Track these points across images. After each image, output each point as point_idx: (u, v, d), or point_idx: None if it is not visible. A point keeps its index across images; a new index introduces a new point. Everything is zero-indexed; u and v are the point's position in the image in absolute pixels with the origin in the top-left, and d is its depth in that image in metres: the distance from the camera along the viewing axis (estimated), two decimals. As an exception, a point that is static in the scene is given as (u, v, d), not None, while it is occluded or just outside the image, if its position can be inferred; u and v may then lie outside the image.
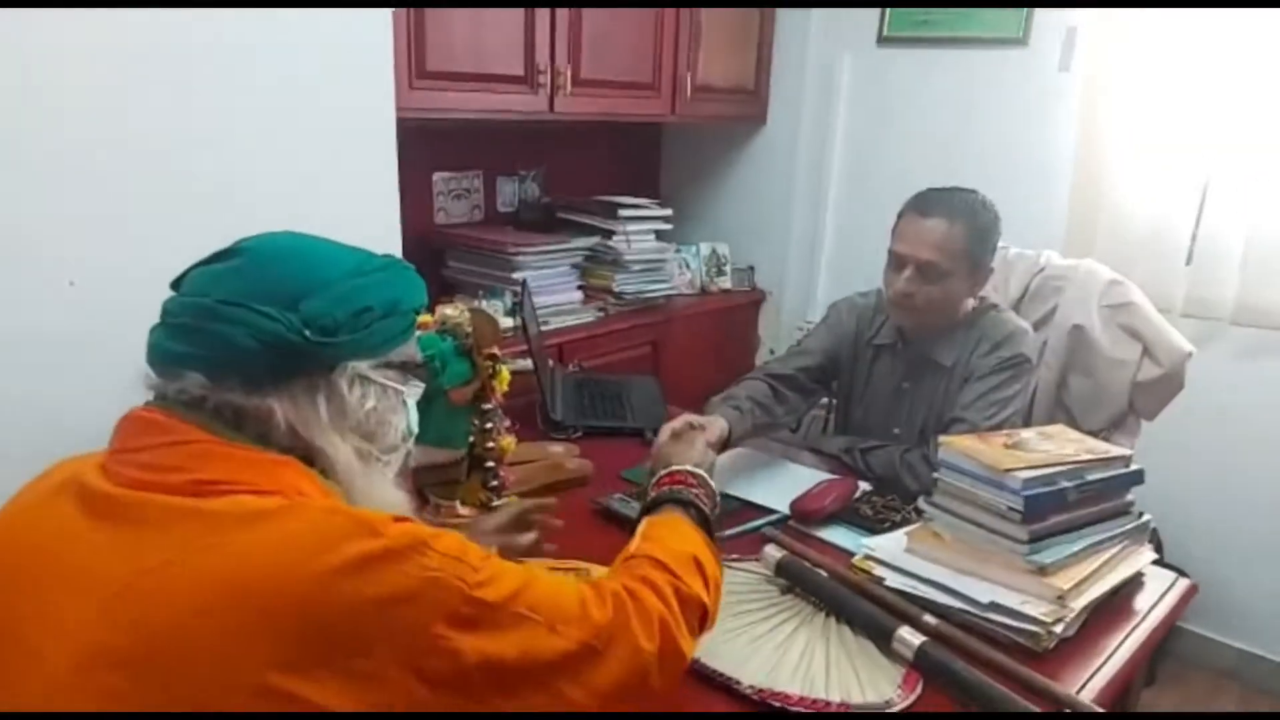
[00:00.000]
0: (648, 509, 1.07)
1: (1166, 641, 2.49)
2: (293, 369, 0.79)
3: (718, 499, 1.13)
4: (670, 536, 0.98)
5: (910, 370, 1.79)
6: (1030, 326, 1.79)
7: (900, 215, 1.71)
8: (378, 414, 0.85)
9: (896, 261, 1.69)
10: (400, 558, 0.70)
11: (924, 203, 1.68)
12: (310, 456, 0.81)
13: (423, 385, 0.93)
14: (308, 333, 0.77)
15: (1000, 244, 2.11)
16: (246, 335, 0.76)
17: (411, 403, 0.91)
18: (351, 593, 0.68)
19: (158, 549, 0.69)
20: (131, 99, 1.62)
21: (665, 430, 1.44)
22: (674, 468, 1.13)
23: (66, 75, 1.55)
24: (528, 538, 1.20)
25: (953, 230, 1.63)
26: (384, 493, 0.86)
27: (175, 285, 0.83)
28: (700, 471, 1.14)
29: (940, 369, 1.75)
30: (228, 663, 0.65)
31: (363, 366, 0.83)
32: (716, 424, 1.57)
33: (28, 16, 1.49)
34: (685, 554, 0.94)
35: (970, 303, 1.75)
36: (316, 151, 1.90)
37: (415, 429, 0.92)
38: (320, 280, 0.80)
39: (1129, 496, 1.34)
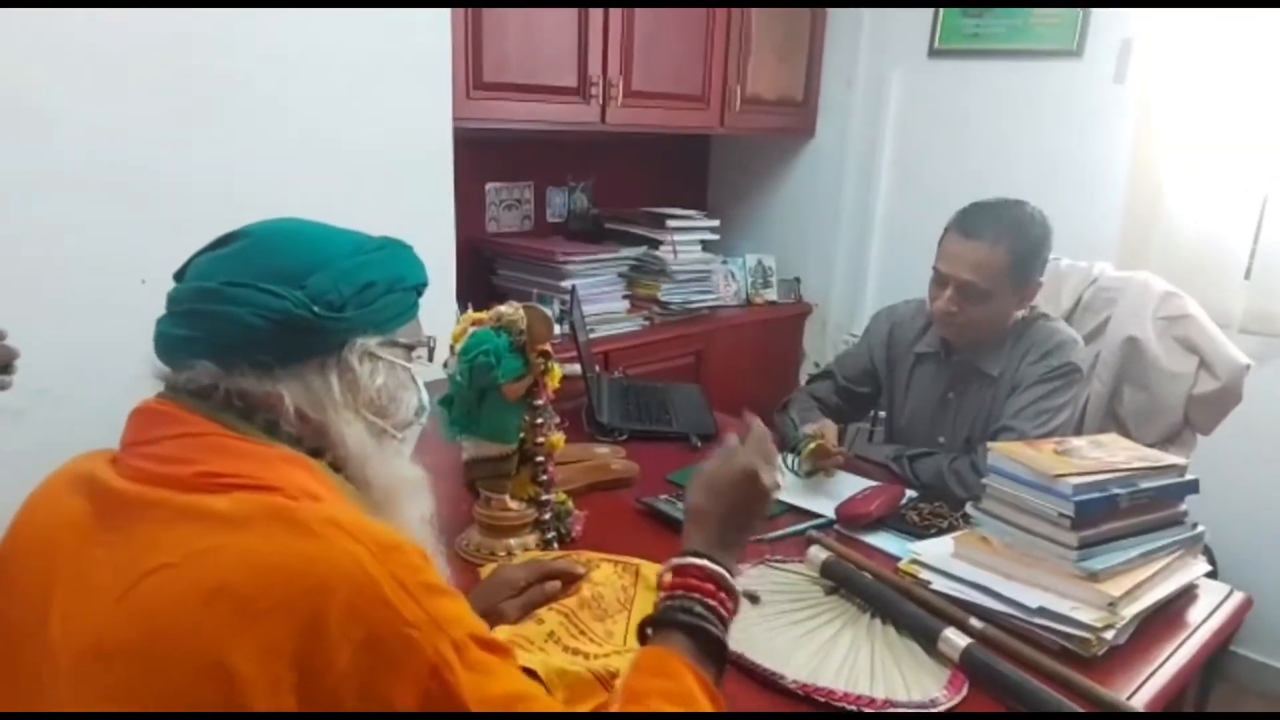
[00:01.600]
0: (653, 621, 0.86)
1: (1220, 665, 2.43)
2: (302, 348, 0.79)
3: (739, 597, 0.90)
4: (660, 695, 0.78)
5: (956, 380, 1.78)
6: (1079, 336, 1.77)
7: (945, 230, 1.70)
8: (389, 390, 0.85)
9: (939, 280, 1.68)
10: (381, 603, 0.67)
11: (967, 220, 1.66)
12: (320, 446, 0.81)
13: (430, 363, 0.92)
14: (315, 308, 0.77)
15: (1052, 256, 2.11)
16: (253, 314, 0.75)
17: (421, 380, 0.91)
18: (328, 626, 0.65)
19: (158, 552, 0.68)
20: (195, 107, 1.69)
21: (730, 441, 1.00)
22: (700, 559, 0.88)
23: (129, 86, 1.62)
24: (552, 586, 1.16)
25: (994, 252, 1.61)
26: (400, 468, 0.87)
27: (178, 276, 0.83)
28: (730, 563, 0.90)
29: (987, 379, 1.74)
30: (218, 656, 0.64)
31: (371, 343, 0.82)
32: (829, 426, 1.64)
33: (97, 21, 1.55)
34: None
35: (1020, 313, 1.74)
36: (376, 160, 1.97)
37: (427, 405, 0.92)
38: (323, 258, 0.80)
39: (1183, 506, 1.32)
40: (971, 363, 1.75)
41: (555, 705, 0.80)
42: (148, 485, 0.73)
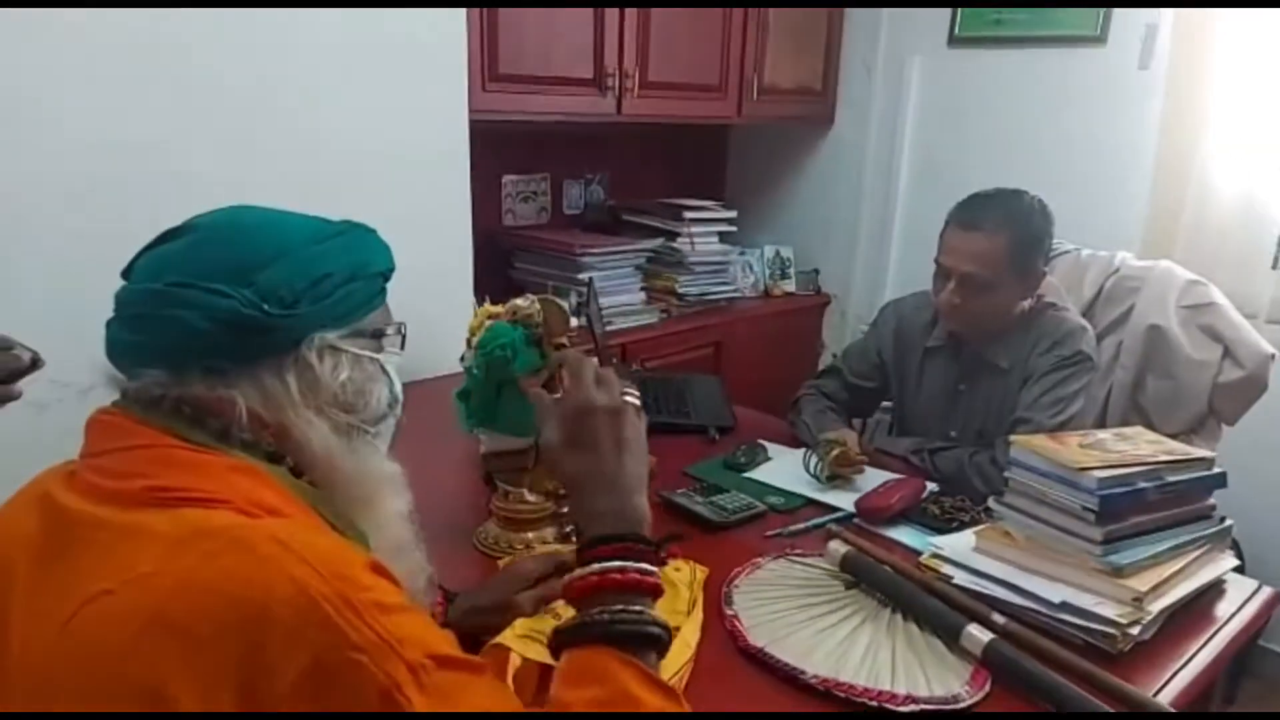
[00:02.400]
0: (567, 635, 0.74)
1: (1248, 661, 2.40)
2: (255, 349, 0.75)
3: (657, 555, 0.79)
4: (591, 704, 0.70)
5: (966, 372, 1.77)
6: (1088, 324, 1.75)
7: (945, 224, 1.69)
8: (354, 384, 0.80)
9: (942, 273, 1.68)
10: (324, 627, 0.62)
11: (966, 213, 1.66)
12: (280, 450, 0.77)
13: (401, 352, 0.87)
14: (266, 307, 0.73)
15: (1073, 245, 2.08)
16: (200, 317, 0.71)
17: (393, 370, 0.86)
18: (269, 652, 0.62)
19: (98, 578, 0.66)
20: (213, 103, 1.70)
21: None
22: (597, 549, 0.76)
23: (149, 84, 1.63)
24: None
25: (995, 243, 1.61)
26: (373, 465, 0.83)
27: (126, 274, 0.78)
28: (633, 517, 0.78)
29: (997, 370, 1.73)
30: (156, 686, 0.62)
31: (330, 337, 0.78)
32: (850, 433, 1.65)
33: (111, 18, 1.56)
34: None
35: (1026, 303, 1.72)
36: (393, 153, 1.97)
37: (400, 396, 0.87)
38: (274, 251, 0.76)
39: (1210, 500, 1.30)
40: (981, 355, 1.74)
41: None
42: (96, 502, 0.70)
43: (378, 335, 0.84)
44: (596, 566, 0.75)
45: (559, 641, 0.74)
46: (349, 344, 0.80)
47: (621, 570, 0.74)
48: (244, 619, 0.62)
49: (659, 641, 0.74)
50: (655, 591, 0.76)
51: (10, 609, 0.70)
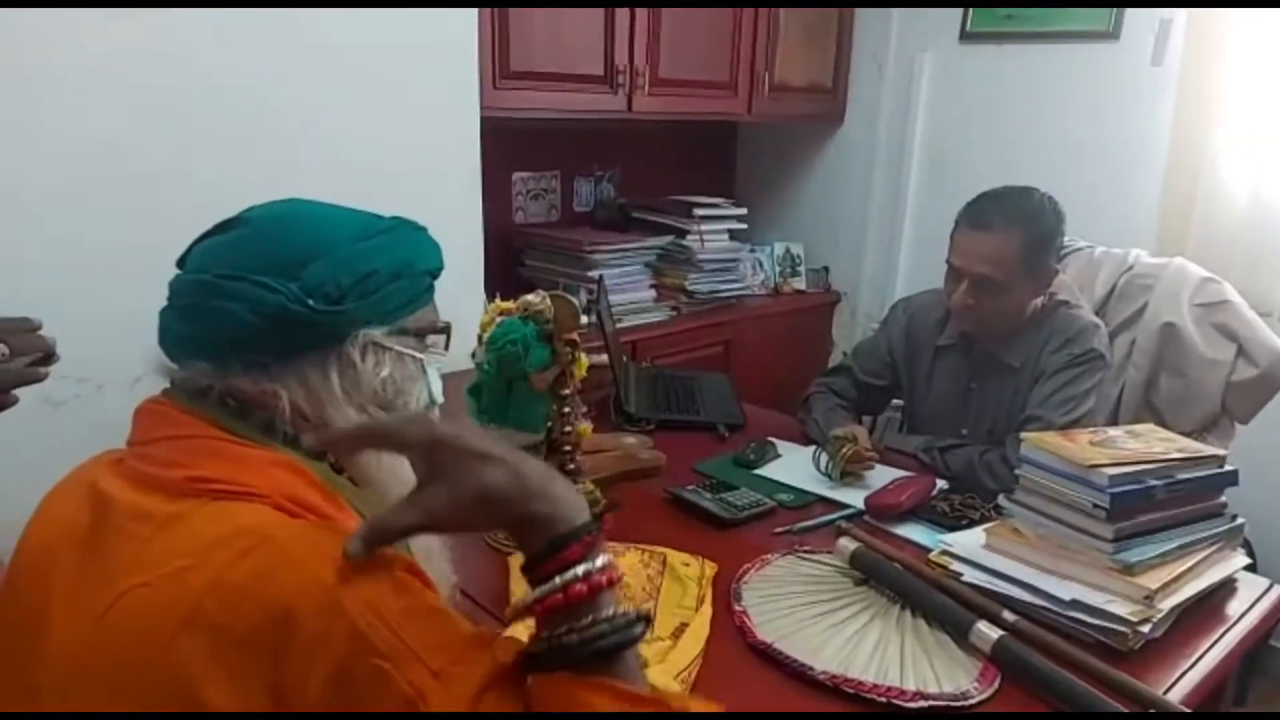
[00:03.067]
0: (537, 662, 0.67)
1: (1260, 660, 2.39)
2: (300, 343, 0.75)
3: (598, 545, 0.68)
4: None
5: (977, 371, 1.77)
6: (1100, 322, 1.75)
7: (956, 224, 1.69)
8: (394, 383, 0.80)
9: (954, 274, 1.67)
10: (350, 634, 0.62)
11: (977, 213, 1.65)
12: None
13: (445, 353, 0.86)
14: (311, 302, 0.73)
15: (1086, 243, 2.08)
16: (245, 310, 0.72)
17: (433, 370, 0.86)
18: (296, 657, 0.62)
19: (137, 570, 0.67)
20: (231, 102, 1.71)
21: None
22: (540, 568, 0.67)
23: (172, 84, 1.64)
24: None
25: (1008, 243, 1.60)
26: (408, 466, 0.79)
27: (180, 263, 0.80)
28: (561, 516, 0.68)
29: (1009, 369, 1.73)
30: (189, 686, 0.63)
31: (375, 334, 0.79)
32: (861, 430, 1.66)
33: (124, 19, 1.57)
34: None
35: (1038, 301, 1.72)
36: (405, 151, 1.98)
37: (439, 398, 0.87)
38: (322, 246, 0.76)
39: (1222, 498, 1.29)
40: (993, 354, 1.74)
41: None
42: (140, 490, 0.72)
43: (421, 334, 0.84)
44: (558, 581, 0.66)
45: (530, 666, 0.67)
46: (393, 341, 0.81)
47: (587, 577, 0.66)
48: (272, 620, 0.62)
49: (637, 640, 0.67)
50: (617, 582, 0.68)
51: (52, 597, 0.71)
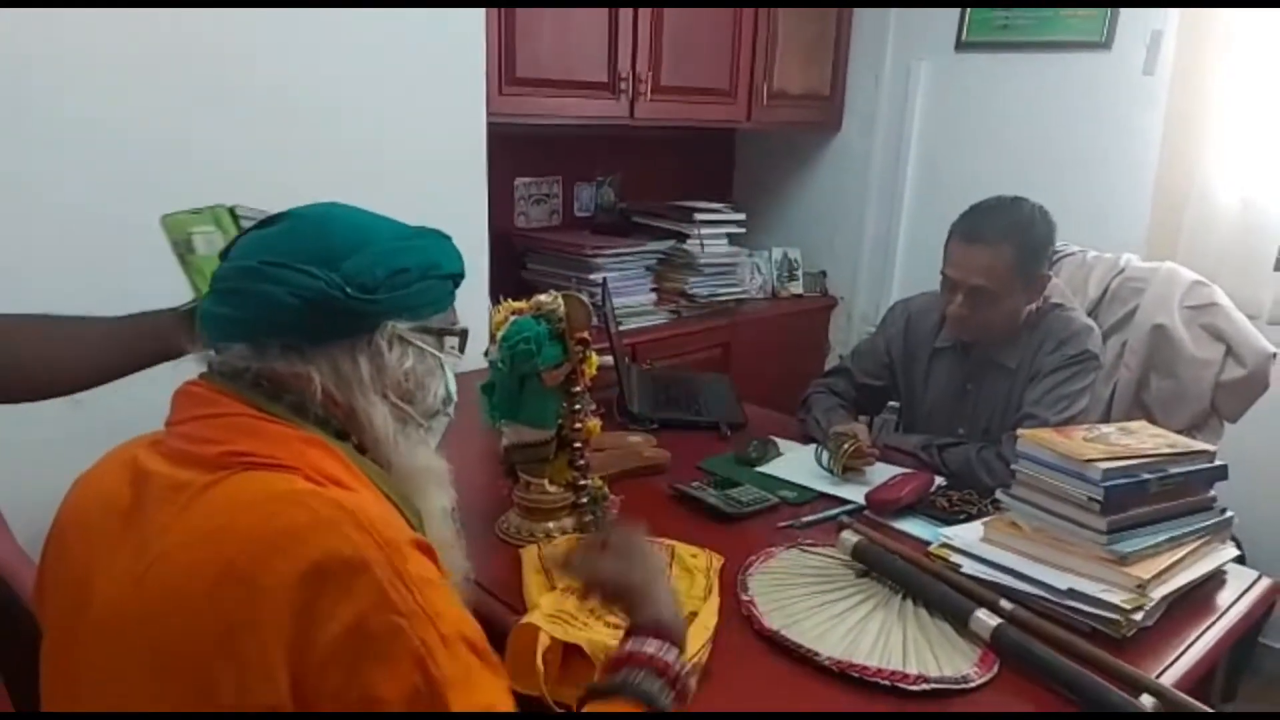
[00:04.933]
0: (601, 690, 0.81)
1: (1250, 657, 2.43)
2: (333, 329, 0.81)
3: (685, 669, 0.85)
4: None
5: (974, 372, 1.81)
6: (1094, 324, 1.79)
7: (949, 236, 1.72)
8: (416, 376, 0.86)
9: (949, 285, 1.71)
10: (373, 588, 0.68)
11: (969, 226, 1.69)
12: (345, 428, 0.83)
13: (460, 355, 0.92)
14: (348, 289, 0.79)
15: (1079, 247, 2.12)
16: (287, 293, 0.77)
17: (450, 370, 0.92)
18: (320, 605, 0.67)
19: (174, 533, 0.72)
20: (235, 105, 1.74)
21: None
22: (650, 636, 0.84)
23: (171, 85, 1.67)
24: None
25: (1000, 255, 1.64)
26: (425, 458, 0.88)
27: (223, 255, 0.86)
28: (679, 628, 0.88)
29: (1004, 370, 1.77)
30: (225, 635, 0.67)
31: (402, 327, 0.84)
32: (861, 427, 1.69)
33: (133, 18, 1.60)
34: None
35: (1032, 305, 1.76)
36: (412, 156, 2.01)
37: (454, 395, 0.93)
38: (360, 242, 0.82)
39: (1211, 492, 1.33)
40: (989, 356, 1.78)
41: None
42: (178, 465, 0.77)
43: (441, 334, 0.90)
44: (645, 647, 0.83)
45: (588, 695, 0.81)
46: (416, 337, 0.86)
47: (661, 656, 0.82)
48: (302, 574, 0.67)
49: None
50: (675, 683, 0.82)
51: (94, 566, 0.76)
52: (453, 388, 0.93)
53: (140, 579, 0.71)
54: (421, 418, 0.89)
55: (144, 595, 0.71)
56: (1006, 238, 1.64)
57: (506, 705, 0.74)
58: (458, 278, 0.92)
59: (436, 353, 0.89)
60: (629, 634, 0.86)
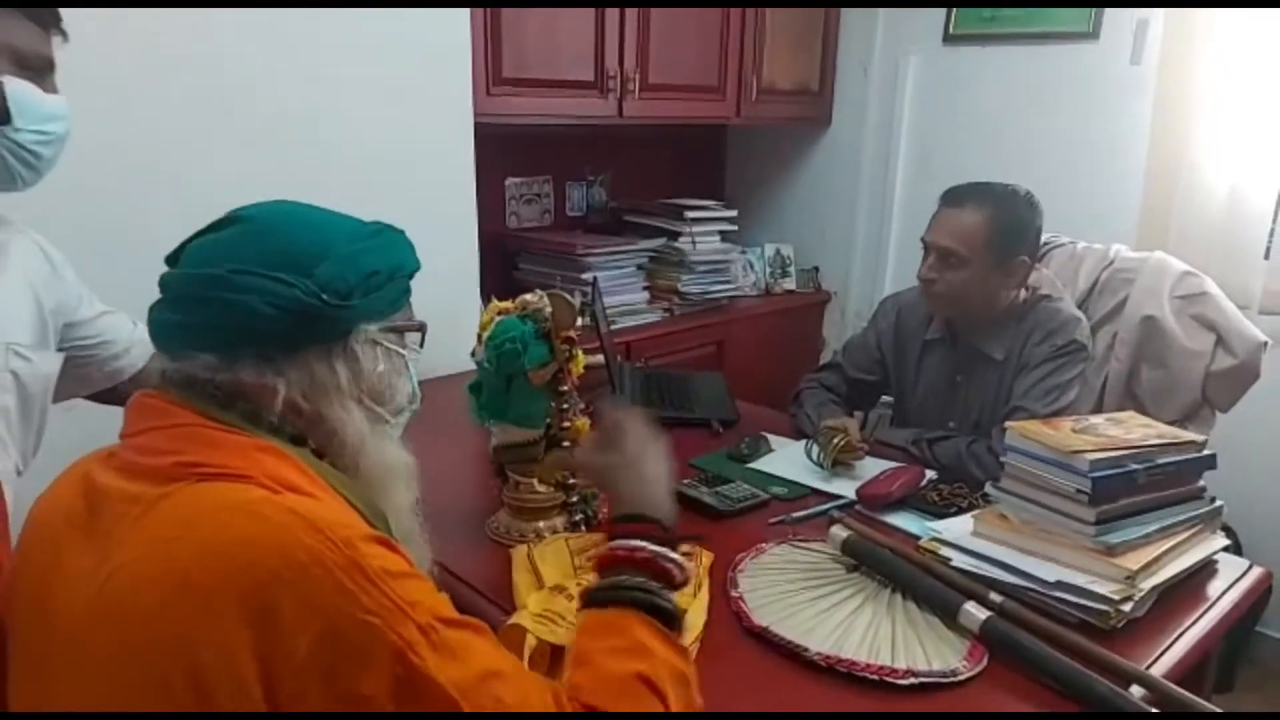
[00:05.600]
0: (593, 596, 0.89)
1: (1246, 646, 2.44)
2: (308, 337, 0.79)
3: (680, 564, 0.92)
4: (608, 652, 0.82)
5: (962, 364, 1.82)
6: (1082, 315, 1.79)
7: (938, 205, 1.77)
8: (386, 377, 0.86)
9: (925, 250, 1.75)
10: (337, 592, 0.67)
11: (956, 193, 1.73)
12: (304, 433, 0.81)
13: (420, 351, 0.92)
14: (325, 296, 0.77)
15: (1069, 238, 2.12)
16: (263, 303, 0.75)
17: (414, 367, 0.92)
18: (283, 617, 0.66)
19: (130, 545, 0.71)
20: (219, 107, 1.74)
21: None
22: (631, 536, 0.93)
23: (161, 74, 1.67)
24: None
25: (975, 220, 1.67)
26: (391, 454, 0.88)
27: (171, 260, 0.82)
28: (661, 507, 0.98)
29: (992, 362, 1.77)
30: (184, 651, 0.66)
31: (372, 330, 0.84)
32: (851, 422, 1.68)
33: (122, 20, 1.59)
34: (628, 678, 0.79)
35: (1021, 295, 1.77)
36: (399, 157, 2.01)
37: (418, 392, 0.93)
38: (325, 245, 0.80)
39: (1200, 482, 1.33)
40: (976, 347, 1.79)
41: (529, 679, 0.78)
42: (130, 478, 0.75)
43: (403, 332, 0.89)
44: (623, 543, 0.92)
45: (587, 602, 0.89)
46: (384, 338, 0.86)
47: (644, 549, 0.91)
48: (258, 584, 0.66)
49: (668, 614, 0.87)
50: (662, 575, 0.91)
51: (53, 580, 0.76)
52: (415, 383, 0.93)
53: (98, 591, 0.70)
54: (391, 416, 0.89)
55: (101, 608, 0.70)
56: (982, 206, 1.68)
57: (499, 662, 0.75)
58: (414, 273, 0.91)
59: (401, 350, 0.89)
60: (612, 525, 0.95)
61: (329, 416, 0.82)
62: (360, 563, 0.69)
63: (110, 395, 1.27)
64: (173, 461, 0.74)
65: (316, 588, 0.67)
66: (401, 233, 0.91)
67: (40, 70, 1.03)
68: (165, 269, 0.82)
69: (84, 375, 1.24)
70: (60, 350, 1.18)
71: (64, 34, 1.06)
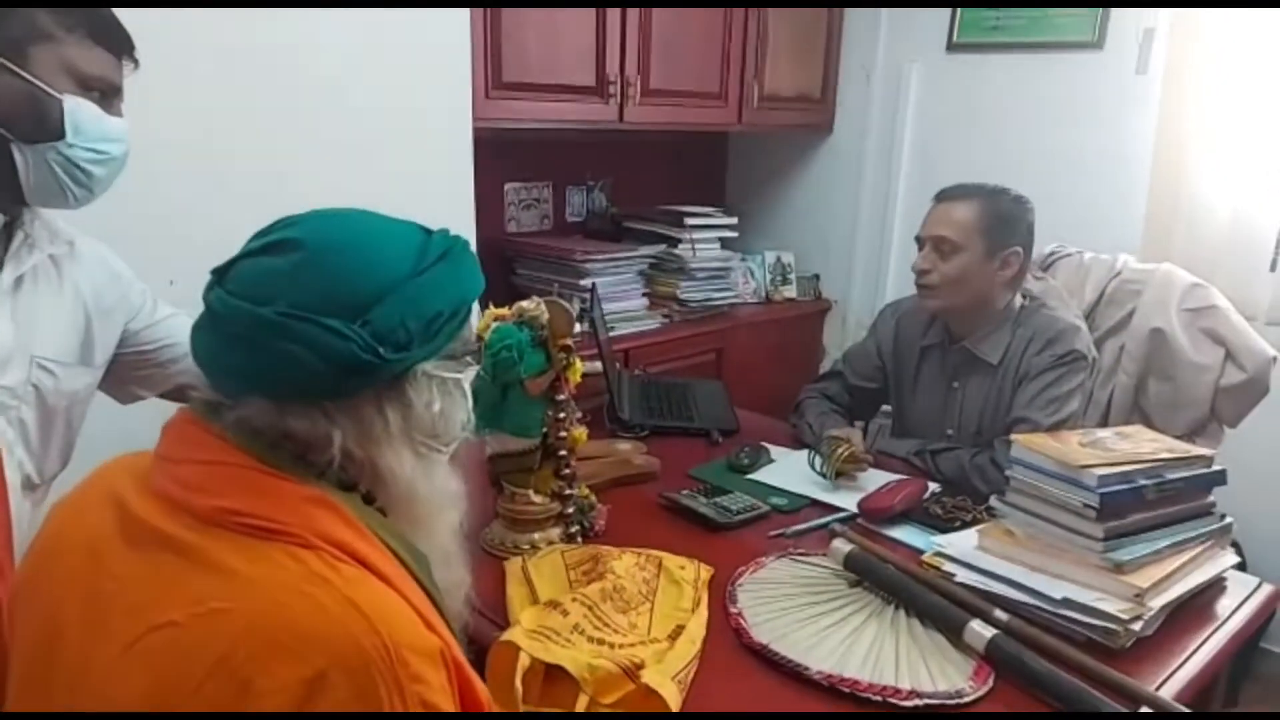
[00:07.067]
0: None
1: (1250, 663, 2.41)
2: (361, 385, 0.74)
3: None
4: None
5: (959, 370, 1.80)
6: (1082, 324, 1.78)
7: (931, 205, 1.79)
8: (444, 413, 0.80)
9: (919, 246, 1.76)
10: (372, 703, 0.65)
11: (947, 190, 1.77)
12: (355, 479, 0.77)
13: (476, 365, 0.87)
14: (381, 350, 0.72)
15: (1075, 249, 2.10)
16: (315, 357, 0.70)
17: (469, 388, 0.85)
18: (320, 705, 0.64)
19: (167, 606, 0.67)
20: (219, 101, 1.71)
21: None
22: None
23: (161, 77, 1.64)
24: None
25: (966, 210, 1.71)
26: (442, 483, 0.83)
27: (219, 274, 0.76)
28: None
29: (988, 368, 1.76)
30: None
31: (429, 366, 0.78)
32: (855, 432, 1.71)
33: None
34: None
35: (1018, 300, 1.75)
36: (397, 161, 1.98)
37: (473, 415, 0.86)
38: (386, 283, 0.74)
39: (1210, 498, 1.31)
40: (970, 351, 1.77)
41: None
42: (169, 513, 0.72)
43: (460, 355, 0.83)
44: None
45: None
46: (440, 369, 0.80)
47: None
48: (304, 680, 0.63)
49: None
50: None
51: (67, 612, 0.72)
52: (470, 405, 0.86)
53: (129, 647, 0.67)
54: (445, 447, 0.83)
55: (133, 668, 0.67)
56: (973, 198, 1.72)
57: None
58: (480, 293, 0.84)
59: (458, 375, 0.82)
60: None
61: (380, 464, 0.77)
62: (403, 681, 0.66)
63: (178, 394, 1.28)
64: (215, 505, 0.70)
65: (359, 694, 0.64)
66: (467, 247, 0.83)
67: (105, 93, 1.05)
68: (209, 275, 0.77)
69: (148, 377, 1.27)
70: (123, 354, 1.22)
71: (135, 61, 1.08)
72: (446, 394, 0.80)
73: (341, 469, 0.75)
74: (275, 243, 0.75)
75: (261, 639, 0.64)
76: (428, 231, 0.82)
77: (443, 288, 0.78)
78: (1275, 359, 1.85)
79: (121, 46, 1.06)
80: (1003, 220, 1.70)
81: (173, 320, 1.27)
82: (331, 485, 0.75)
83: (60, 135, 1.00)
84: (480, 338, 0.89)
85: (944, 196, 1.76)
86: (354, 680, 0.64)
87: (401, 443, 0.78)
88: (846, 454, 1.58)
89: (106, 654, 0.68)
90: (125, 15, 1.57)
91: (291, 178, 1.78)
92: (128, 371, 1.24)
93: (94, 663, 0.69)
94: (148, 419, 0.82)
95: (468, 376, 0.85)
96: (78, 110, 1.01)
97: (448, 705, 0.70)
